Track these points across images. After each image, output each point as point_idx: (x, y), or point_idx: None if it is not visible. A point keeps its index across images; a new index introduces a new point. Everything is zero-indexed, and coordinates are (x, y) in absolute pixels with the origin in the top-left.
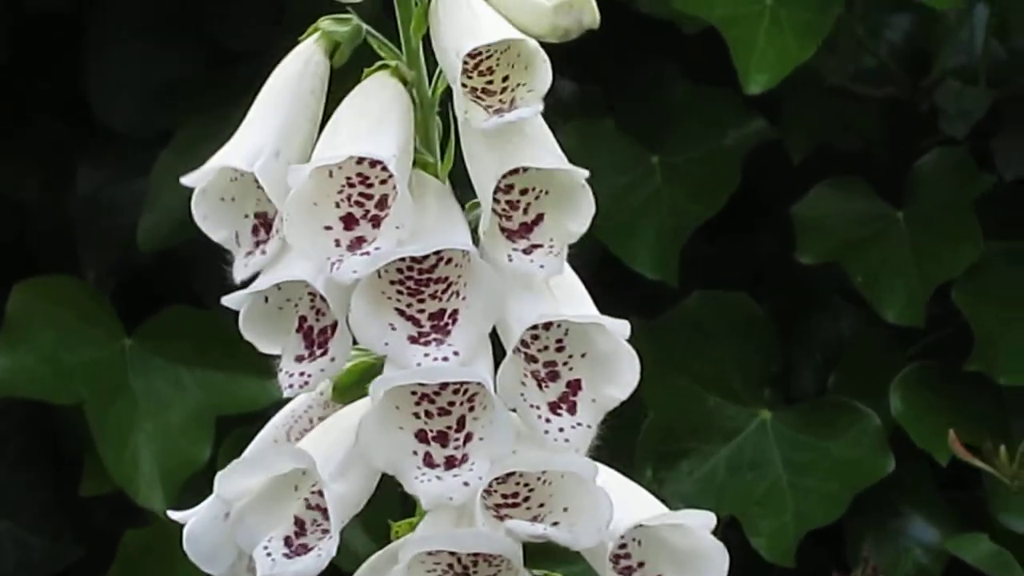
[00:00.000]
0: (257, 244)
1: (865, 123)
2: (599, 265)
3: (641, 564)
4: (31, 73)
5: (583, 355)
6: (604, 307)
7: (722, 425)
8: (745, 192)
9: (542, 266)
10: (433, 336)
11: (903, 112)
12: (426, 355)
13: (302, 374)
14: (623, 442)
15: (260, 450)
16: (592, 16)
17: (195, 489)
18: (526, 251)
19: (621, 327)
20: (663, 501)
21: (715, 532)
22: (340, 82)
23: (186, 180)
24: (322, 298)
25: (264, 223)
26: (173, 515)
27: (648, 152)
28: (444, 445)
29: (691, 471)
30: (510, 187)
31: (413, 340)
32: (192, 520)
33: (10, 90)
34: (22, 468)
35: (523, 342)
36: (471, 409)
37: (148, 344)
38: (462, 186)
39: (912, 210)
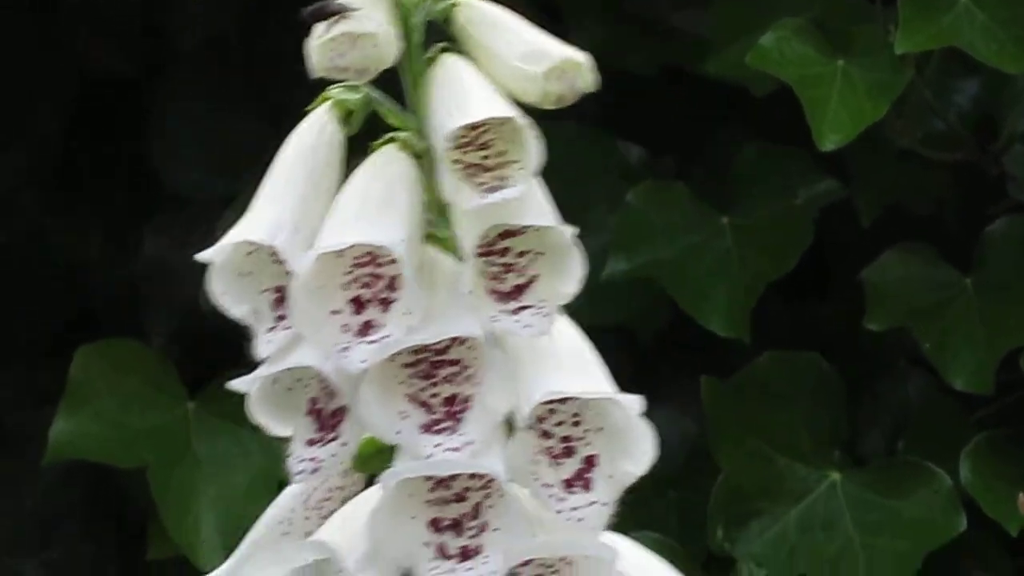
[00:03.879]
0: (279, 318)
1: (934, 187)
2: (672, 323)
3: None
4: (95, 138)
5: (600, 429)
6: (676, 366)
7: (793, 487)
8: (815, 257)
9: (528, 326)
10: (446, 424)
11: (973, 177)
12: (437, 445)
13: (312, 459)
14: (694, 502)
15: (279, 539)
16: (585, 80)
17: None
18: (514, 311)
19: (633, 402)
20: (734, 561)
21: None
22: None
23: (201, 256)
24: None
25: (283, 298)
26: None
27: (718, 212)
28: (459, 534)
29: (761, 531)
30: (507, 250)
31: (426, 429)
32: None
33: (74, 155)
34: (87, 534)
35: (538, 418)
36: (487, 496)
37: (211, 408)
38: None
39: (981, 276)
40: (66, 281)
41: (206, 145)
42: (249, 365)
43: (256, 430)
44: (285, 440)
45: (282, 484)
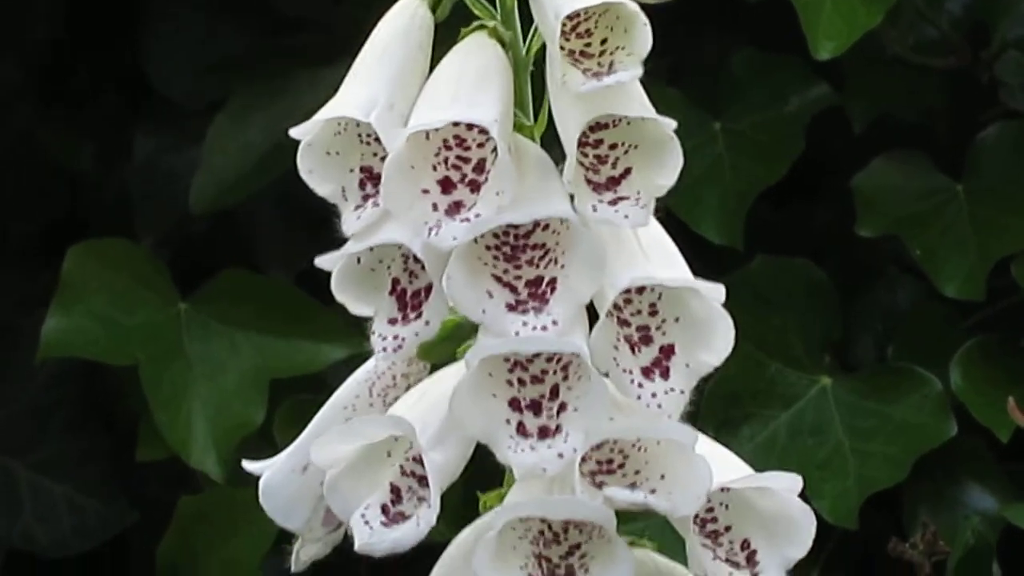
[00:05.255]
0: (366, 198)
1: (926, 94)
2: (663, 229)
3: (728, 528)
4: (87, 43)
5: (676, 319)
6: None
7: (783, 391)
8: (807, 162)
9: (627, 216)
10: (531, 304)
11: (964, 83)
12: (524, 324)
13: (396, 337)
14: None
15: (352, 416)
16: None
17: (248, 452)
18: (611, 203)
19: (716, 291)
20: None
21: None
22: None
23: (294, 132)
24: (416, 260)
25: (370, 177)
26: (248, 466)
27: (711, 118)
28: (537, 414)
29: (752, 436)
30: (599, 141)
31: (511, 308)
32: (268, 473)
33: (67, 62)
34: (77, 434)
35: (616, 306)
36: (565, 378)
37: (203, 308)
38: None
39: (972, 183)
40: (58, 185)
41: (198, 51)
42: (243, 267)
43: (247, 330)
44: (277, 342)
45: (273, 385)
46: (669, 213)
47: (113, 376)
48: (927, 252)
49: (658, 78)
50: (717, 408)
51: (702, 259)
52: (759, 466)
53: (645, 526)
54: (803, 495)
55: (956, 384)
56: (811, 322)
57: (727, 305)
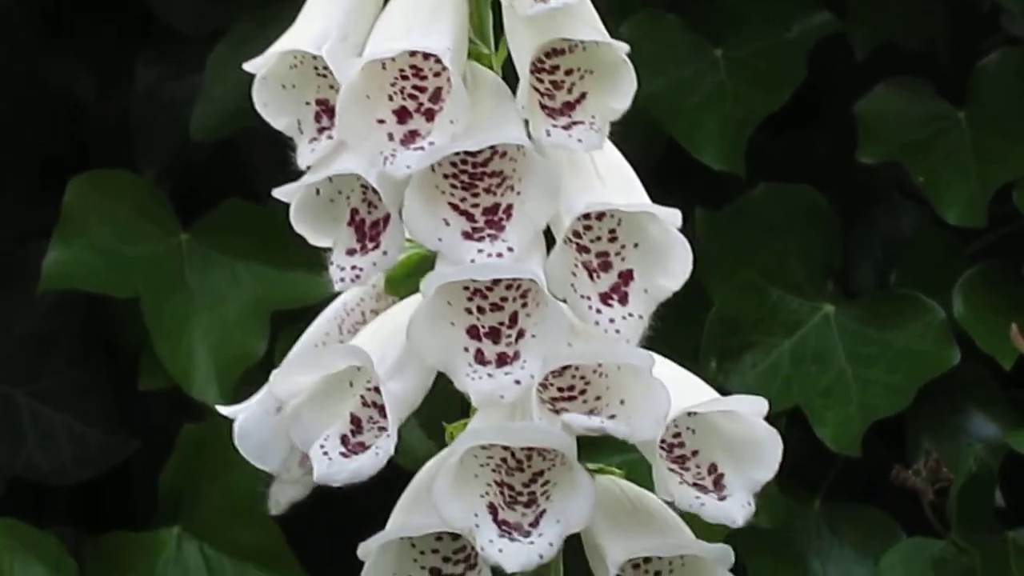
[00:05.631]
0: (321, 131)
1: (929, 21)
2: (665, 156)
3: (695, 452)
4: None
5: (635, 245)
6: (670, 198)
7: (786, 319)
8: (808, 89)
9: (580, 140)
10: (487, 232)
11: (966, 10)
12: (480, 251)
13: (354, 268)
14: (687, 335)
15: (315, 349)
16: None
17: (250, 383)
18: (565, 127)
19: (672, 216)
20: (726, 393)
21: (779, 423)
22: None
23: (248, 66)
24: (374, 191)
25: (326, 110)
26: (223, 410)
27: (712, 45)
28: (496, 342)
29: (754, 364)
30: (555, 67)
31: (467, 236)
32: (243, 416)
33: None
34: (79, 363)
35: (575, 232)
36: (524, 305)
37: (204, 239)
38: (515, 78)
39: (974, 110)
40: (58, 116)
41: None
42: (245, 197)
43: (248, 261)
44: (276, 272)
45: (274, 315)
46: (671, 141)
47: (115, 306)
48: (929, 178)
49: (658, 5)
50: (719, 336)
51: (703, 186)
52: (761, 394)
53: (623, 461)
54: (805, 422)
55: (959, 311)
56: (813, 249)
57: (730, 231)
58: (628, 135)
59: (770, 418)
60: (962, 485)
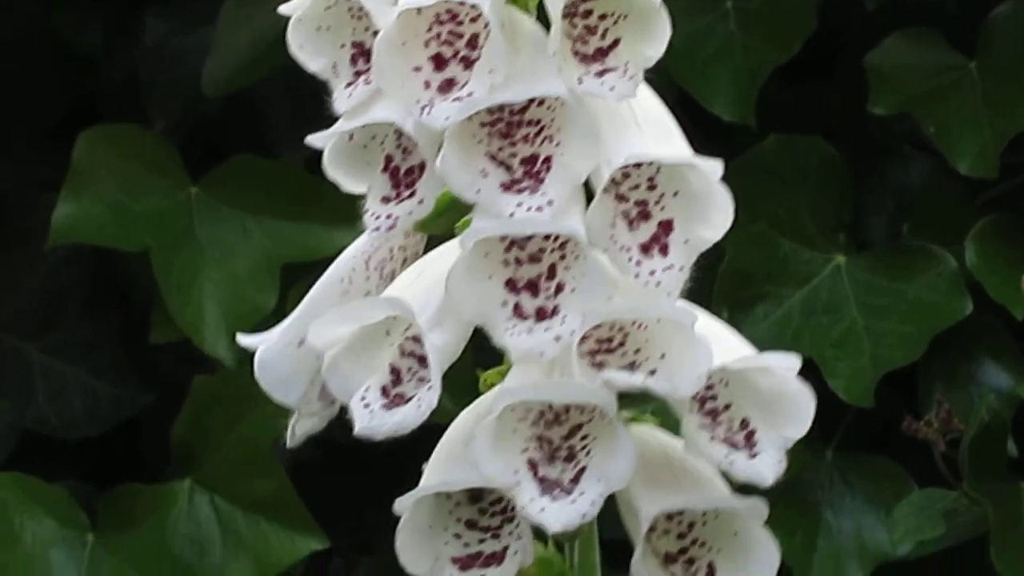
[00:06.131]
0: (357, 74)
1: None
2: (675, 107)
3: (727, 406)
4: None
5: (675, 194)
6: None
7: (797, 270)
8: (819, 40)
9: (613, 88)
10: (527, 183)
11: None
12: (519, 204)
13: (389, 216)
14: (699, 286)
15: (347, 293)
16: None
17: None
18: (598, 74)
19: (713, 166)
20: None
21: None
22: None
23: (283, 8)
24: (410, 138)
25: (362, 52)
26: (242, 340)
27: None
28: (535, 295)
29: (766, 315)
30: (589, 12)
31: (506, 188)
32: (263, 348)
33: None
34: (89, 317)
35: (613, 181)
36: (562, 258)
37: (214, 192)
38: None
39: (985, 61)
40: (68, 69)
41: None
42: (255, 151)
43: (258, 214)
44: (287, 225)
45: (284, 269)
46: (682, 91)
47: (125, 260)
48: (940, 129)
49: None
50: (730, 288)
51: (714, 137)
52: (773, 346)
53: (656, 407)
54: (817, 373)
55: (971, 261)
56: (824, 200)
57: (741, 183)
58: None
59: None
60: (974, 435)
